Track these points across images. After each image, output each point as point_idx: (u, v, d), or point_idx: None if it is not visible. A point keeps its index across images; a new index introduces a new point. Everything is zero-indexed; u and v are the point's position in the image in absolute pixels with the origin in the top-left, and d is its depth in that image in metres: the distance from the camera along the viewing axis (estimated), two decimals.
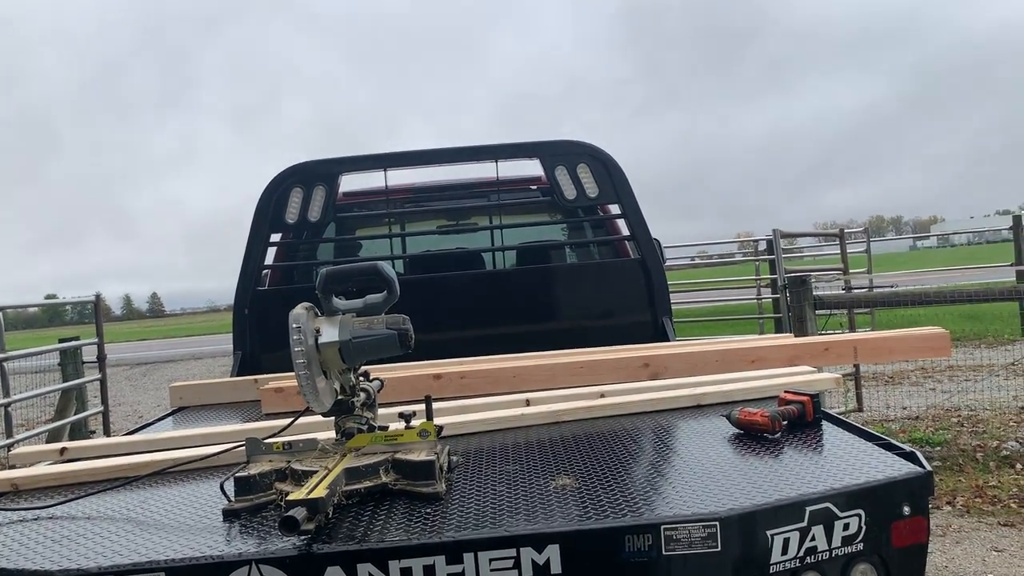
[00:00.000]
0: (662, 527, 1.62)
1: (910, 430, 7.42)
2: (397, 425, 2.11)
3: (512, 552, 1.60)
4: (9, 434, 6.06)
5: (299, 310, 1.95)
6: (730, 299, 14.31)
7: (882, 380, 10.03)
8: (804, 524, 1.69)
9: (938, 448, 6.73)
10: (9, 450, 5.80)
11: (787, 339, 3.76)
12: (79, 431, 7.23)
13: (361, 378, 2.14)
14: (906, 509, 1.77)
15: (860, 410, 8.36)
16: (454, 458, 2.12)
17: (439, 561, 1.60)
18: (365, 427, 2.08)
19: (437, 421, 2.12)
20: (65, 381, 7.31)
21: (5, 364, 6.06)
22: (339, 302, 2.07)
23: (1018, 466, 5.99)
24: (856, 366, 8.17)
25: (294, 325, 1.92)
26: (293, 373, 1.95)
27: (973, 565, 4.43)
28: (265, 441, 2.07)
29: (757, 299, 12.10)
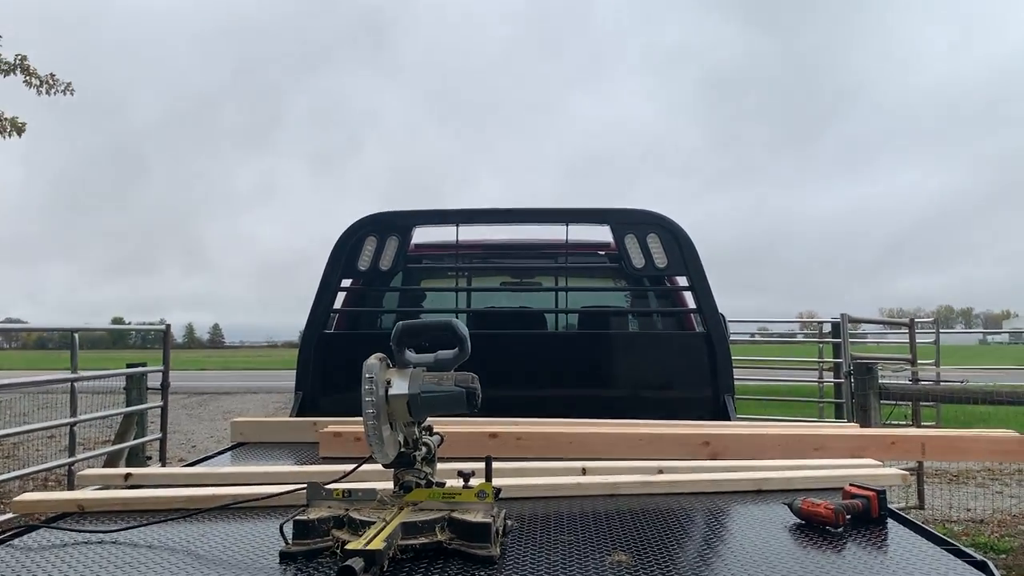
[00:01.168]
0: None
1: (974, 534, 7.11)
2: (455, 482, 2.11)
3: None
4: (72, 452, 6.22)
5: (373, 360, 1.99)
6: (790, 379, 14.02)
7: (946, 478, 9.66)
8: None
9: (1003, 556, 6.42)
10: (71, 468, 5.96)
11: (852, 428, 3.68)
12: (136, 455, 7.38)
13: (424, 432, 2.16)
14: None
15: (921, 507, 8.05)
16: (509, 522, 2.12)
17: None
18: (423, 482, 2.09)
19: (494, 483, 2.12)
20: (129, 405, 7.50)
21: (75, 384, 6.25)
22: (411, 355, 2.10)
23: None
24: (920, 462, 7.89)
25: (367, 375, 1.95)
26: (352, 418, 1.98)
27: None
28: (326, 486, 2.10)
29: (819, 382, 11.83)
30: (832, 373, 10.85)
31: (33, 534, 2.13)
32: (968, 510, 8.10)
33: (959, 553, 1.95)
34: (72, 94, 11.96)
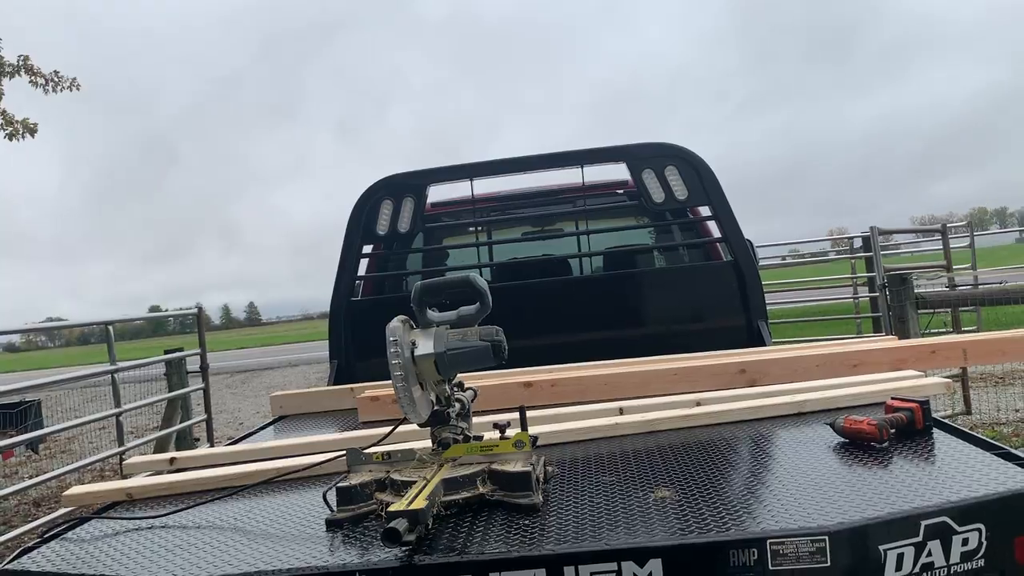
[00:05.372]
0: (768, 541, 1.57)
1: None
2: (492, 435, 2.11)
3: (613, 566, 1.57)
4: (121, 441, 6.35)
5: (395, 323, 1.98)
6: (825, 299, 13.88)
7: (991, 380, 9.55)
8: (920, 539, 1.61)
9: None
10: (122, 457, 6.09)
11: (891, 341, 3.62)
12: (184, 439, 7.53)
13: (456, 388, 2.15)
14: None
15: (968, 413, 7.98)
16: (550, 468, 2.11)
17: (539, 574, 1.59)
18: (460, 437, 2.09)
19: (531, 431, 2.11)
20: (171, 391, 7.63)
21: (116, 375, 6.35)
22: (433, 314, 2.09)
23: None
24: (963, 367, 7.80)
25: (391, 338, 1.94)
26: (388, 381, 1.98)
27: None
28: (365, 451, 2.11)
29: (854, 298, 11.70)
30: (867, 288, 10.72)
31: (85, 526, 2.16)
32: (1016, 411, 8.02)
33: (1008, 456, 1.92)
34: (78, 89, 11.96)
